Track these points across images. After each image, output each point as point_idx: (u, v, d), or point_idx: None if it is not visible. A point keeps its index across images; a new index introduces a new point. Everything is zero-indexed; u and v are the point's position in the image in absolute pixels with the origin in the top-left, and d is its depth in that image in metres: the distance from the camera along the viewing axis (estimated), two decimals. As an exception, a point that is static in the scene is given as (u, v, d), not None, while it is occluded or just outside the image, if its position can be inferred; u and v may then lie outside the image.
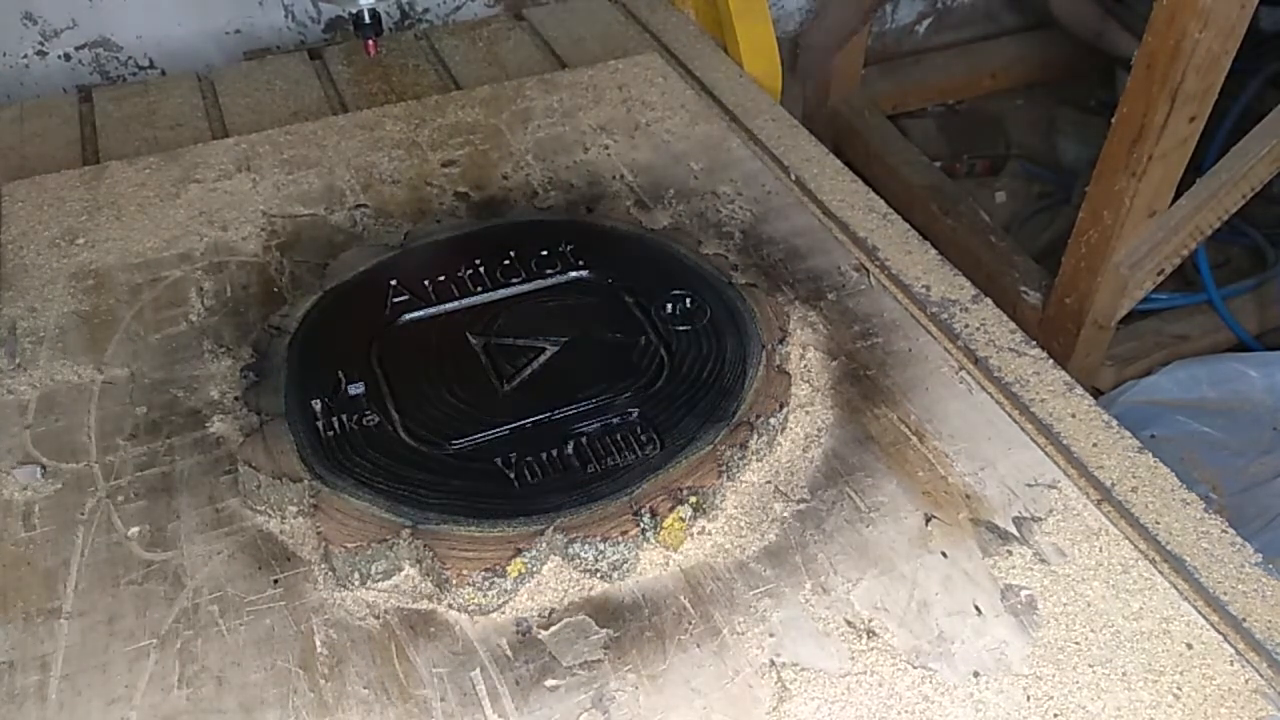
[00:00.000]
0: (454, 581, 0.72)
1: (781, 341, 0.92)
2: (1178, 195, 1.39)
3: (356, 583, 0.74)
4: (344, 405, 0.85)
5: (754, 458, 0.83)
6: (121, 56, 1.67)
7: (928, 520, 0.79)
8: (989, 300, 1.00)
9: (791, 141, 1.25)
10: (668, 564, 0.76)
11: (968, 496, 0.81)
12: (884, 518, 0.79)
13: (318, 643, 0.71)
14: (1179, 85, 1.23)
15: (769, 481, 0.82)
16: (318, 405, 0.84)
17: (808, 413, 0.88)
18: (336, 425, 0.83)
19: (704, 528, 0.78)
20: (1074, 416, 0.88)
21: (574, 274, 1.00)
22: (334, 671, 0.69)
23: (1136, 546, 0.78)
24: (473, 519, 0.76)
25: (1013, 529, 0.78)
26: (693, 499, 0.77)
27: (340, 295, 0.97)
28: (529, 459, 0.81)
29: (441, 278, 0.98)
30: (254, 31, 1.71)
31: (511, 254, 1.01)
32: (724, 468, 0.80)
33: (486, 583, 0.72)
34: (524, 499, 0.78)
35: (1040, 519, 0.79)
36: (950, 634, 0.72)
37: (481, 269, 0.99)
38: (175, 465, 0.83)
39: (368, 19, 1.30)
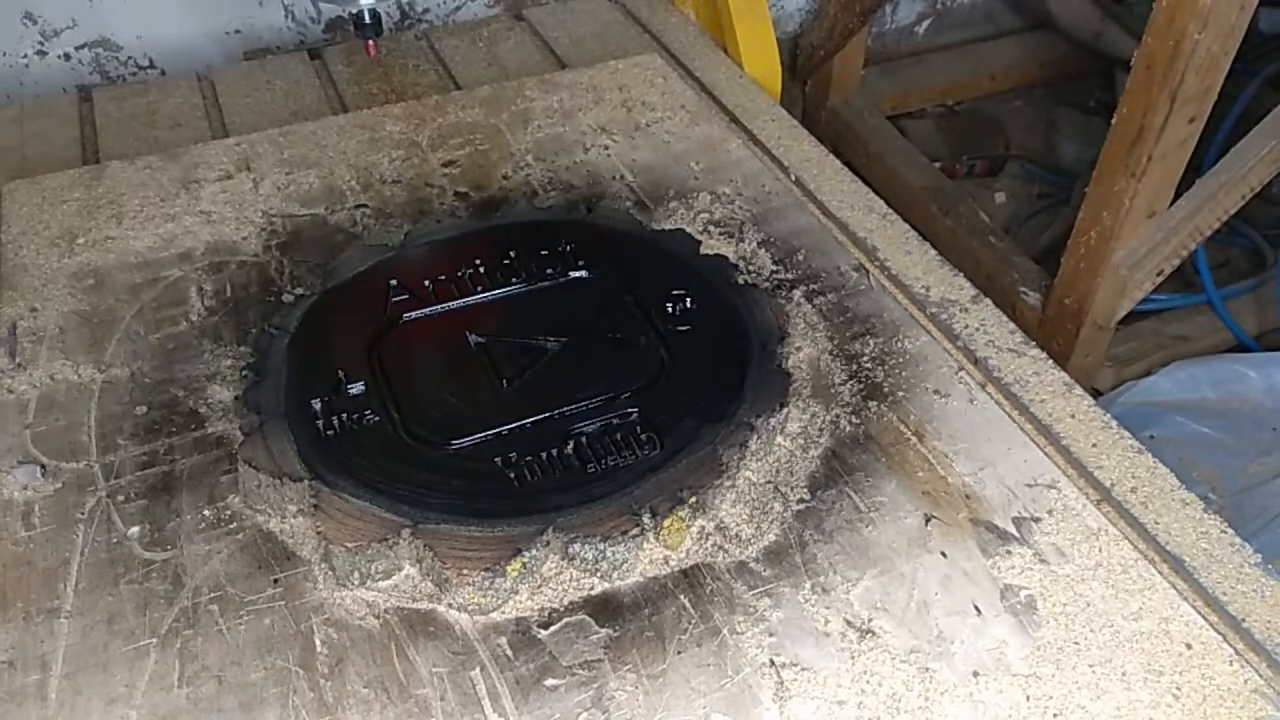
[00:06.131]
0: (454, 581, 0.72)
1: (781, 341, 0.92)
2: (1177, 196, 1.39)
3: (356, 582, 0.74)
4: (344, 405, 0.85)
5: (753, 458, 0.83)
6: (121, 56, 1.66)
7: (927, 520, 0.79)
8: (989, 301, 1.00)
9: (791, 142, 1.25)
10: (667, 564, 0.76)
11: (967, 496, 0.81)
12: (884, 518, 0.79)
13: (318, 642, 0.71)
14: (1178, 86, 1.23)
15: (769, 481, 0.82)
16: (318, 405, 0.84)
17: (807, 413, 0.88)
18: (337, 425, 0.83)
19: (704, 528, 0.78)
20: (1074, 417, 0.88)
21: (574, 274, 1.00)
22: (334, 671, 0.69)
23: (1136, 547, 0.78)
24: (473, 519, 0.76)
25: (1012, 529, 0.78)
26: (693, 499, 0.77)
27: (340, 295, 0.97)
28: (529, 459, 0.81)
29: (442, 277, 0.98)
30: (254, 31, 1.71)
31: (511, 254, 1.01)
32: (724, 468, 0.80)
33: (486, 582, 0.72)
34: (524, 499, 0.78)
35: (1040, 519, 0.79)
36: (950, 634, 0.72)
37: (481, 269, 0.99)
38: (175, 465, 0.83)
39: (368, 19, 1.30)
